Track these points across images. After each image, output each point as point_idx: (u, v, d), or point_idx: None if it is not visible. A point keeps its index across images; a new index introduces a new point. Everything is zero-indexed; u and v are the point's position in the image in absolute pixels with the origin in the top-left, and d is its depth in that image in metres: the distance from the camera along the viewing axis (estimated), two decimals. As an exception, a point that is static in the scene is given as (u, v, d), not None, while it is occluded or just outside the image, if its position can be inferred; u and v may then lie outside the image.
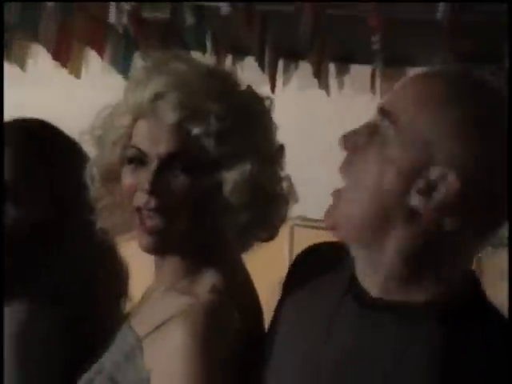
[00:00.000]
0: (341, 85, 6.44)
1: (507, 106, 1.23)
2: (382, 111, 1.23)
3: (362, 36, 5.09)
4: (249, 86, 1.42)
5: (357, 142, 1.23)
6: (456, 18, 4.61)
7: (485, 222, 1.22)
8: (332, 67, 6.36)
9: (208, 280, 1.32)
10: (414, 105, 1.20)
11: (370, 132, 1.22)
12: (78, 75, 6.15)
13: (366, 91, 5.99)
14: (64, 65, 6.01)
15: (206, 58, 5.16)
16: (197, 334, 1.21)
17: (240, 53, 6.14)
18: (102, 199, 1.43)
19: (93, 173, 1.41)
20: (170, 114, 1.29)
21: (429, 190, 1.17)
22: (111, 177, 1.40)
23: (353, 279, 1.25)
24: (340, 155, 1.29)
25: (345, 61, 6.34)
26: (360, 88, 6.11)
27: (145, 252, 1.35)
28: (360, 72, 6.23)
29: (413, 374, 1.12)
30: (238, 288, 1.33)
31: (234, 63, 6.12)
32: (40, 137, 1.56)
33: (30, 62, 6.07)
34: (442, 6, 4.65)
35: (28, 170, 1.52)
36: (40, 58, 6.12)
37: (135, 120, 1.35)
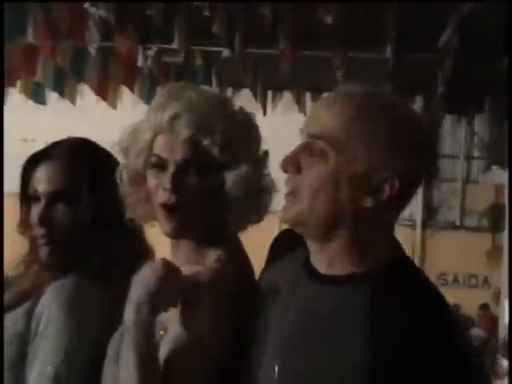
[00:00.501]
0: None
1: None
2: (316, 136, 1.14)
3: (329, 71, 5.13)
4: (241, 107, 1.42)
5: (299, 164, 1.15)
6: (398, 57, 4.66)
7: (403, 206, 1.18)
8: (308, 95, 6.39)
9: (213, 254, 1.33)
10: (348, 126, 1.14)
11: (310, 155, 1.15)
12: (114, 106, 6.18)
13: (333, 113, 6.03)
14: (104, 99, 6.04)
15: (212, 90, 5.19)
16: (205, 289, 1.24)
17: (238, 86, 6.17)
18: (130, 196, 1.41)
19: (122, 176, 1.40)
20: (184, 131, 1.31)
21: (377, 192, 1.13)
22: (137, 179, 1.39)
23: (307, 259, 1.22)
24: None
25: (317, 90, 6.37)
26: (329, 111, 6.15)
27: (167, 236, 1.35)
28: (329, 98, 6.26)
29: (348, 325, 1.12)
30: (236, 259, 1.33)
31: (233, 94, 6.15)
32: (82, 151, 1.56)
33: (78, 98, 6.07)
34: (388, 48, 4.70)
35: (73, 177, 1.52)
36: (86, 94, 6.15)
37: (156, 135, 1.35)
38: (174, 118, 1.32)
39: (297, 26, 4.67)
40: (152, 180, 1.35)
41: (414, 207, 7.25)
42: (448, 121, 6.56)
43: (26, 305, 1.50)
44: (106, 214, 1.49)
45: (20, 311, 1.50)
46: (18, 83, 5.64)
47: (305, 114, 6.29)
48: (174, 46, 5.03)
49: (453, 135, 6.94)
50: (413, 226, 7.27)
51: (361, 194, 1.13)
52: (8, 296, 1.56)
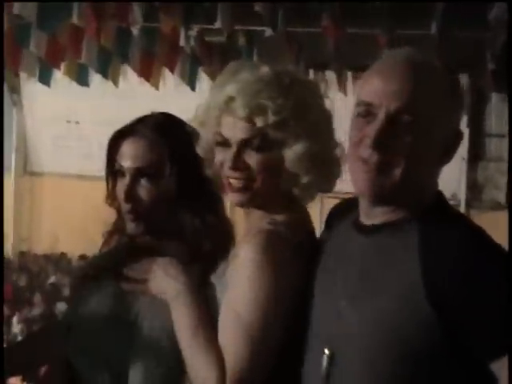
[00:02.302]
0: (355, 88, 6.41)
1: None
2: (396, 112, 1.18)
3: (372, 49, 5.04)
4: (308, 80, 1.45)
5: (387, 141, 1.19)
6: (444, 33, 4.57)
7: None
8: (349, 74, 6.37)
9: (271, 217, 1.41)
10: (420, 92, 1.17)
11: (394, 129, 1.18)
12: (157, 87, 6.19)
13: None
14: (147, 80, 6.05)
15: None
16: (257, 247, 1.32)
17: (280, 65, 6.12)
18: (207, 168, 1.48)
19: (199, 150, 1.48)
20: (240, 112, 1.38)
21: (449, 148, 1.22)
22: (210, 154, 1.46)
23: (357, 219, 1.30)
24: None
25: (359, 69, 6.29)
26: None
27: (235, 205, 1.45)
28: (372, 77, 6.19)
29: (400, 261, 1.18)
30: (293, 222, 1.40)
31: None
32: (163, 128, 1.56)
33: (121, 79, 6.09)
34: (434, 24, 4.61)
35: (155, 154, 1.52)
36: (129, 75, 6.17)
37: (221, 113, 1.42)
38: (229, 100, 1.39)
39: (341, 3, 4.59)
40: (218, 156, 1.42)
41: (458, 186, 7.13)
42: (494, 99, 6.42)
43: (111, 286, 1.51)
44: (187, 187, 1.53)
45: (101, 289, 1.52)
46: (63, 65, 5.67)
47: (345, 93, 6.22)
48: (217, 25, 4.99)
49: (499, 114, 6.79)
50: (457, 206, 7.15)
51: (440, 150, 1.21)
52: (87, 267, 1.57)
